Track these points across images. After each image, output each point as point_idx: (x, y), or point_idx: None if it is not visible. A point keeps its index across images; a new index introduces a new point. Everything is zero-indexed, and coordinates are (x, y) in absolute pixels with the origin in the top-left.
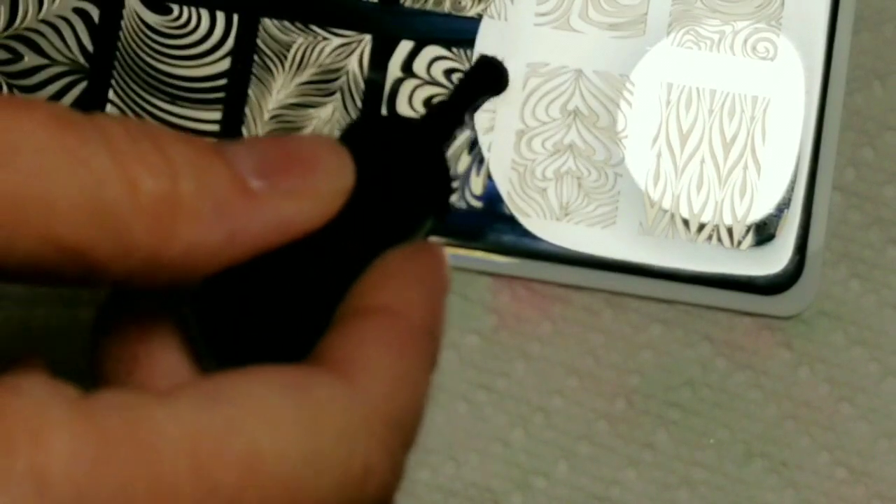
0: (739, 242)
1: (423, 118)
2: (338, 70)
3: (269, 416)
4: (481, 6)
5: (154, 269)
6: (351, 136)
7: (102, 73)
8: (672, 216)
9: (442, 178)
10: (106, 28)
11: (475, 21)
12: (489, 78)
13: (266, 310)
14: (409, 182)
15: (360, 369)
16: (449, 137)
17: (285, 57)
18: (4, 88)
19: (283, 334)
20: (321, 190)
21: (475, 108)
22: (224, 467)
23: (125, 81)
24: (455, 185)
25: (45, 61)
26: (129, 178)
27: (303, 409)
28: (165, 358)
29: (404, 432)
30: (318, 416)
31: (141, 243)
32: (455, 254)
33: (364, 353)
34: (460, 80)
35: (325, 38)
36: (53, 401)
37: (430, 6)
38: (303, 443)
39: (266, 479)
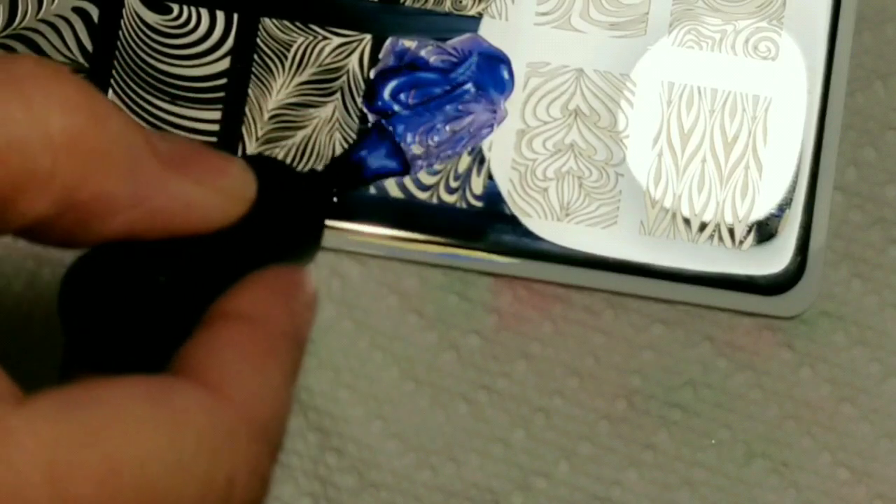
0: (741, 242)
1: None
2: (338, 70)
3: (128, 425)
4: (482, 6)
5: (64, 211)
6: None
7: (102, 72)
8: (673, 216)
9: (317, 219)
10: (105, 27)
11: (475, 20)
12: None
13: (134, 311)
14: (290, 215)
15: (222, 378)
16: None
17: (285, 57)
18: None
19: (149, 337)
20: (228, 190)
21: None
22: (82, 480)
23: (125, 81)
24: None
25: None
26: (39, 116)
27: (164, 418)
28: None
29: (269, 443)
30: (180, 426)
31: (53, 179)
32: (455, 254)
33: (224, 361)
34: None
35: (325, 38)
36: None
37: (430, 6)
38: (163, 453)
39: (125, 491)
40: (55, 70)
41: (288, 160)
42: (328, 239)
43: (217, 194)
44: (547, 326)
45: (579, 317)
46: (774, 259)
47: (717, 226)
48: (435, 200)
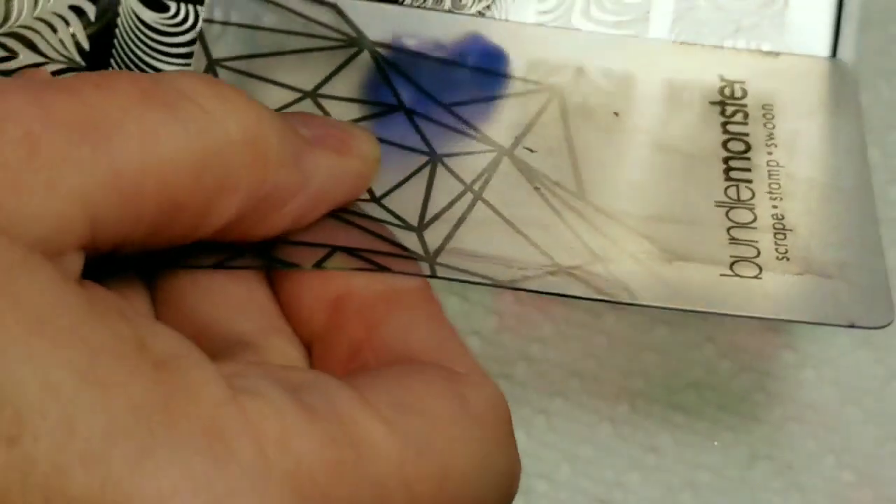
0: None
1: None
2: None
3: (448, 432)
4: (482, 4)
5: (247, 210)
6: None
7: (99, 70)
8: None
9: None
10: (102, 25)
11: (475, 19)
12: None
13: None
14: None
15: (470, 369)
16: None
17: None
18: None
19: None
20: (364, 153)
21: None
22: (424, 488)
23: None
24: None
25: (40, 59)
26: (221, 124)
27: (469, 421)
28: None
29: None
30: (482, 427)
31: (240, 182)
32: None
33: (461, 352)
34: None
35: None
36: (285, 404)
37: (430, 5)
38: (476, 460)
39: (455, 499)
40: (211, 79)
41: None
42: None
43: (356, 160)
44: (548, 328)
45: (581, 318)
46: None
47: None
48: None
